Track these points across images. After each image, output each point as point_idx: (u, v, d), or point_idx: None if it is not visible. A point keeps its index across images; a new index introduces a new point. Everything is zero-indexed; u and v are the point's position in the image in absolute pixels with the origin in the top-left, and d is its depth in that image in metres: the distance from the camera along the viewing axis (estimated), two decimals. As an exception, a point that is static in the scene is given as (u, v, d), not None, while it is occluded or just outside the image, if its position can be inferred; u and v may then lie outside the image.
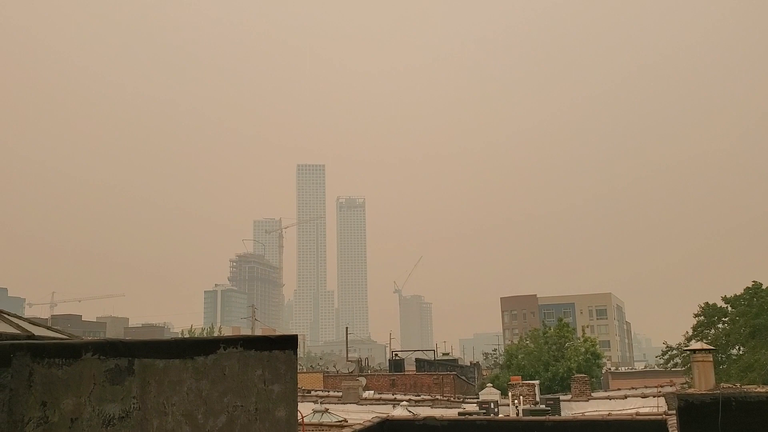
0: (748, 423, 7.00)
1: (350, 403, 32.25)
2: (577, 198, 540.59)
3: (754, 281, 41.86)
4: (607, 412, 24.39)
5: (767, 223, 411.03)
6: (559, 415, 27.52)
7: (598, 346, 55.68)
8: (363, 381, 40.62)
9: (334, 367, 68.54)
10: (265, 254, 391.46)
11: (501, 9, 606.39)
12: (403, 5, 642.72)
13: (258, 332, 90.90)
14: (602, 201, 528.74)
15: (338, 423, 23.03)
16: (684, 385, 36.96)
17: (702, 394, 8.20)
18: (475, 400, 33.78)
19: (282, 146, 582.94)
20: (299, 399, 5.33)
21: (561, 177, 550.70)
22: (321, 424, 22.61)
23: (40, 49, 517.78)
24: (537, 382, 36.63)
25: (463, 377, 51.24)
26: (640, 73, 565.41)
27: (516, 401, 30.34)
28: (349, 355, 67.01)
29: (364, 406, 31.36)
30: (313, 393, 36.29)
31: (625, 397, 31.57)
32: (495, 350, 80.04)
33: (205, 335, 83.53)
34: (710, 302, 44.55)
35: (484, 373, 66.82)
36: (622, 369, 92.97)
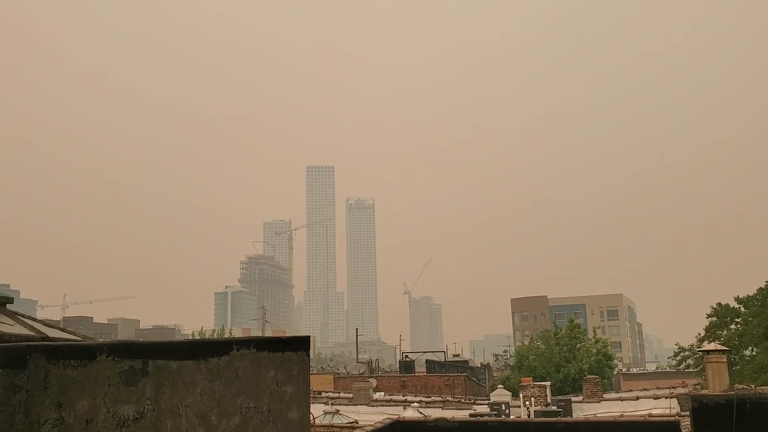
0: (763, 425, 6.95)
1: (361, 404, 32.28)
2: (587, 198, 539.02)
3: (767, 281, 41.55)
4: (619, 414, 24.26)
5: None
6: (571, 416, 27.40)
7: (609, 347, 55.45)
8: (373, 382, 40.65)
9: (345, 368, 68.62)
10: (275, 256, 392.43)
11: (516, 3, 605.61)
12: (414, 3, 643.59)
13: (268, 334, 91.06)
14: (613, 201, 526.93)
15: (349, 424, 23.04)
16: (697, 387, 36.74)
17: (716, 395, 8.14)
18: (486, 402, 33.70)
19: (291, 148, 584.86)
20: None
21: (571, 177, 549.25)
22: (332, 426, 22.62)
23: (57, 52, 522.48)
24: (548, 383, 36.50)
25: (473, 379, 51.16)
26: (647, 68, 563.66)
27: (527, 402, 30.25)
28: (359, 357, 67.06)
29: (374, 408, 31.37)
30: (323, 394, 36.37)
31: (637, 398, 31.38)
32: (505, 352, 79.82)
33: (215, 337, 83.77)
34: (723, 303, 44.26)
35: (495, 375, 66.65)
36: (634, 370, 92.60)
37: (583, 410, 30.78)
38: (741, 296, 43.00)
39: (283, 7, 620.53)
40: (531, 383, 33.07)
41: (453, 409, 30.43)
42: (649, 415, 20.25)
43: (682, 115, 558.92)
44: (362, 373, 51.96)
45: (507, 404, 30.72)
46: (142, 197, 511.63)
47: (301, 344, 4.01)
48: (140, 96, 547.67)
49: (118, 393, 2.72)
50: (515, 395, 34.21)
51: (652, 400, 30.56)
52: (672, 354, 51.11)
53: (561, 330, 56.20)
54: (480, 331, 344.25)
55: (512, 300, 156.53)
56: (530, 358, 54.28)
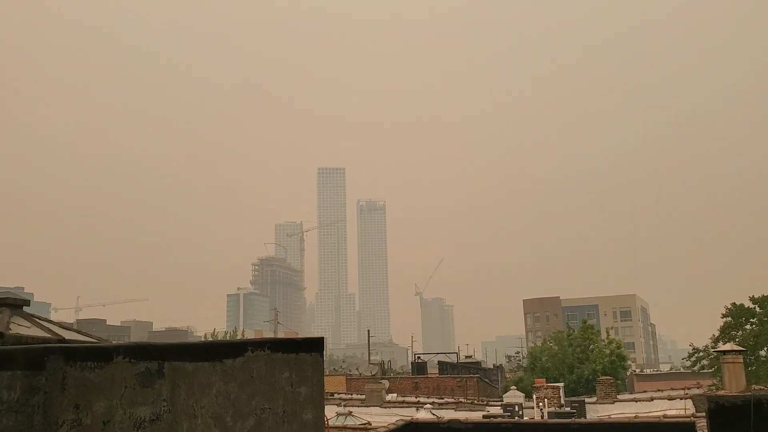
0: (781, 426, 6.86)
1: (373, 405, 32.30)
2: (599, 198, 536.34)
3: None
4: (633, 415, 24.12)
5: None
6: (585, 417, 27.26)
7: (623, 347, 55.15)
8: (386, 384, 40.61)
9: (357, 369, 68.62)
10: (287, 258, 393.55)
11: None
12: (427, 4, 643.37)
13: (281, 335, 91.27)
14: (625, 201, 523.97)
15: (362, 426, 23.03)
16: (712, 387, 36.42)
17: (733, 396, 8.06)
18: (499, 403, 33.59)
19: (302, 150, 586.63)
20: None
21: (583, 177, 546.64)
22: (345, 427, 22.61)
23: (69, 48, 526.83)
24: (561, 384, 36.34)
25: (486, 380, 51.01)
26: (665, 65, 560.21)
27: (541, 404, 30.12)
28: (371, 358, 67.09)
29: (387, 409, 31.37)
30: (336, 396, 36.38)
31: (652, 399, 31.21)
32: (518, 353, 79.56)
33: (228, 339, 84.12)
34: (737, 303, 43.83)
35: (508, 376, 66.42)
36: (648, 371, 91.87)
37: (597, 411, 30.63)
38: (756, 296, 42.57)
39: (295, 10, 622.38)
40: (544, 384, 32.95)
41: (466, 410, 30.36)
42: (664, 417, 20.11)
43: (696, 113, 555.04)
44: (374, 375, 51.97)
45: (520, 406, 30.63)
46: (154, 200, 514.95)
47: (315, 345, 4.02)
48: (150, 101, 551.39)
49: (134, 394, 2.73)
50: (528, 397, 34.09)
51: (666, 401, 30.39)
52: (686, 355, 50.66)
53: (574, 331, 55.97)
54: (492, 333, 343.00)
55: (524, 301, 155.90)
56: (543, 359, 54.07)
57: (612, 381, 37.57)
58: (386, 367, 63.88)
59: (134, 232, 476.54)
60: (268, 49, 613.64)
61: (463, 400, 36.62)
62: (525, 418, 26.72)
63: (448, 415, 24.42)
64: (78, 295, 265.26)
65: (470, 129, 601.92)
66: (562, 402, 31.69)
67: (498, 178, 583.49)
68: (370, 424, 22.67)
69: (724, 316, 44.20)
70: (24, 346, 2.50)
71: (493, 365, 76.82)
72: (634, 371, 77.03)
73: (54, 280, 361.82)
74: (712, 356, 41.27)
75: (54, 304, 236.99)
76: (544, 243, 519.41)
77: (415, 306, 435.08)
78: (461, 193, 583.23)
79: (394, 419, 14.69)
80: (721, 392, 22.41)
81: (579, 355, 51.78)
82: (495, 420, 15.74)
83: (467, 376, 45.95)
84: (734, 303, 43.99)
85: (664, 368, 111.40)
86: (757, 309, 42.23)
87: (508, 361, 78.48)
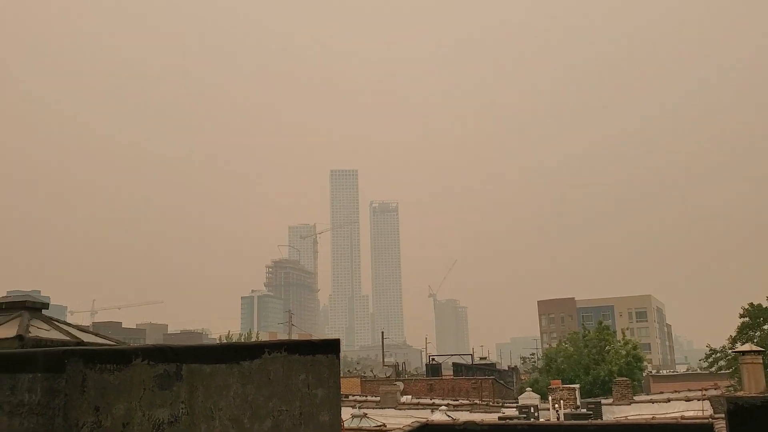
0: (802, 427, 6.77)
1: (388, 407, 32.26)
2: (614, 199, 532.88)
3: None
4: (650, 416, 23.93)
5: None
6: (601, 419, 27.07)
7: (639, 348, 54.73)
8: (401, 386, 40.57)
9: (371, 371, 68.64)
10: (300, 260, 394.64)
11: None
12: (438, 4, 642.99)
13: (295, 337, 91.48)
14: (639, 202, 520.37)
15: (377, 428, 23.03)
16: (729, 388, 36.06)
17: (753, 397, 7.96)
18: (515, 405, 33.46)
19: (315, 152, 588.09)
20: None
21: (598, 179, 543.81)
22: (360, 429, 22.62)
23: (78, 45, 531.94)
24: (577, 385, 36.13)
25: (501, 382, 50.81)
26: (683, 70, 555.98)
27: (557, 405, 29.95)
28: (385, 360, 67.06)
29: (402, 411, 31.35)
30: (351, 398, 36.36)
31: (669, 400, 30.95)
32: (533, 354, 79.19)
33: (242, 341, 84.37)
34: (755, 303, 43.39)
35: (523, 378, 66.13)
36: (664, 372, 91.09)
37: (614, 413, 30.42)
38: (774, 296, 42.14)
39: (309, 11, 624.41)
40: (560, 386, 32.77)
41: (481, 412, 30.28)
42: (682, 418, 19.94)
43: (712, 118, 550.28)
44: (389, 377, 51.95)
45: (536, 407, 30.50)
46: (168, 203, 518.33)
47: (331, 347, 4.02)
48: (155, 104, 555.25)
49: (153, 397, 2.75)
50: (544, 398, 33.92)
51: (683, 402, 30.13)
52: (703, 355, 50.22)
53: (589, 332, 55.62)
54: (506, 334, 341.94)
55: (539, 302, 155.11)
56: (558, 360, 53.79)
57: (628, 382, 37.29)
58: (400, 368, 63.83)
59: (149, 235, 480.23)
60: (279, 50, 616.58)
61: (478, 401, 36.51)
62: (541, 420, 26.55)
63: (463, 416, 24.36)
64: (93, 298, 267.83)
65: (484, 130, 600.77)
66: (578, 403, 31.51)
67: (511, 179, 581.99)
68: (386, 426, 22.66)
69: (741, 316, 43.77)
70: (44, 348, 2.52)
71: (508, 367, 76.45)
72: (651, 372, 76.46)
73: (70, 283, 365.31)
74: (730, 357, 40.89)
75: (70, 308, 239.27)
76: (559, 244, 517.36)
77: (428, 308, 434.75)
78: (474, 195, 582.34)
79: (409, 421, 14.68)
80: (740, 393, 22.17)
81: (595, 357, 51.45)
82: (511, 422, 15.68)
83: (482, 377, 45.81)
84: (752, 303, 43.56)
85: (681, 369, 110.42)
86: (775, 309, 41.79)
87: (523, 363, 78.19)
